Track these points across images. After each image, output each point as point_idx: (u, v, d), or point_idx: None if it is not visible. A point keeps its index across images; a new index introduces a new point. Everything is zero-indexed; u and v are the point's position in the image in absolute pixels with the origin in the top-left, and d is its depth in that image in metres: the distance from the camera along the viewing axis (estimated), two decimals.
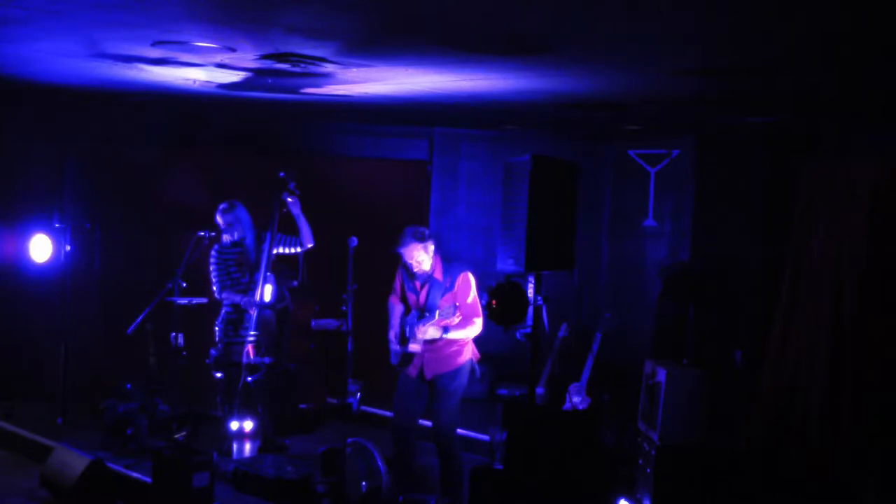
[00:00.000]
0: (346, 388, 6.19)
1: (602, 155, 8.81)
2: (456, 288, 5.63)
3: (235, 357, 6.56)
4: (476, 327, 5.68)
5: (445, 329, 5.56)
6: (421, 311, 5.64)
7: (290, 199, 6.55)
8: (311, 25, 3.97)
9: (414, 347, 5.66)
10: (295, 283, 7.52)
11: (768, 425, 6.53)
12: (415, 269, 5.66)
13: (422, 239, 5.62)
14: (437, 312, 5.48)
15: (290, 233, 6.70)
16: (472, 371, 5.82)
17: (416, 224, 5.78)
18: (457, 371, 5.70)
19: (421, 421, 5.87)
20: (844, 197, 6.22)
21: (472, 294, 5.67)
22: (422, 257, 5.63)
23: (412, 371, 5.74)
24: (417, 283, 5.72)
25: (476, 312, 5.67)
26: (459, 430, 5.88)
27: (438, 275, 5.68)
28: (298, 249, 6.77)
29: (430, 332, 5.54)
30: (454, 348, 5.69)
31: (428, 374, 5.69)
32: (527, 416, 5.44)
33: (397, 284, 5.90)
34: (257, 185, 7.63)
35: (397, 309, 5.87)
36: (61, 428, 7.11)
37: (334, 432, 5.96)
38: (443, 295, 5.60)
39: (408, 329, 5.71)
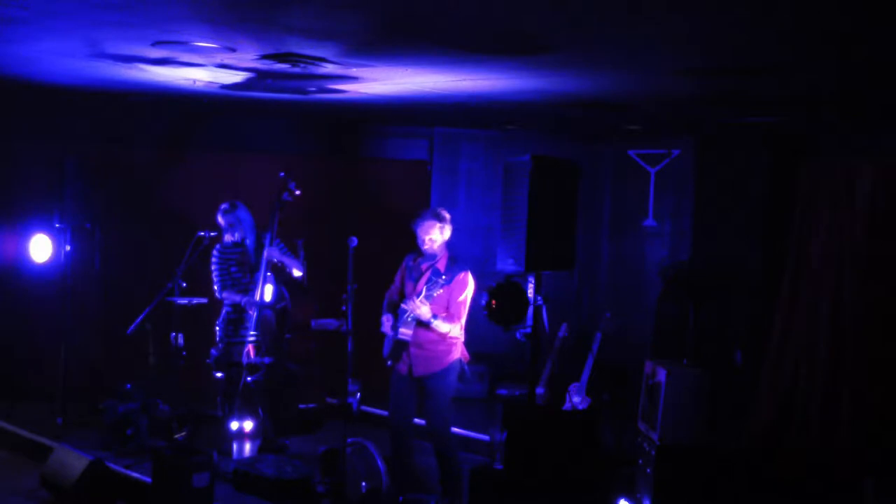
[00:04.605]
0: (346, 388, 6.18)
1: (602, 155, 8.80)
2: (452, 283, 5.64)
3: (236, 357, 6.57)
4: (456, 328, 5.69)
5: (434, 315, 5.55)
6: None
7: (288, 199, 6.52)
8: (311, 26, 3.97)
9: (404, 333, 5.65)
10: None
11: (768, 425, 6.54)
12: (424, 247, 5.71)
13: (440, 219, 5.70)
14: (425, 287, 5.50)
15: (288, 242, 6.70)
16: (462, 372, 5.83)
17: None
18: (445, 371, 5.71)
19: (417, 420, 5.87)
20: (844, 197, 6.23)
21: (464, 296, 5.68)
22: (435, 236, 5.68)
23: (402, 368, 5.76)
24: (423, 266, 5.73)
25: (459, 315, 5.67)
26: (459, 431, 5.89)
27: (441, 266, 5.70)
28: (288, 270, 6.72)
29: (421, 309, 5.53)
30: (442, 347, 5.69)
31: (416, 373, 5.71)
32: (527, 416, 5.44)
33: (398, 278, 5.93)
34: (257, 186, 7.64)
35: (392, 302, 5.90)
36: (61, 428, 7.10)
37: (334, 432, 5.95)
38: (440, 287, 5.59)
39: (400, 315, 5.70)
